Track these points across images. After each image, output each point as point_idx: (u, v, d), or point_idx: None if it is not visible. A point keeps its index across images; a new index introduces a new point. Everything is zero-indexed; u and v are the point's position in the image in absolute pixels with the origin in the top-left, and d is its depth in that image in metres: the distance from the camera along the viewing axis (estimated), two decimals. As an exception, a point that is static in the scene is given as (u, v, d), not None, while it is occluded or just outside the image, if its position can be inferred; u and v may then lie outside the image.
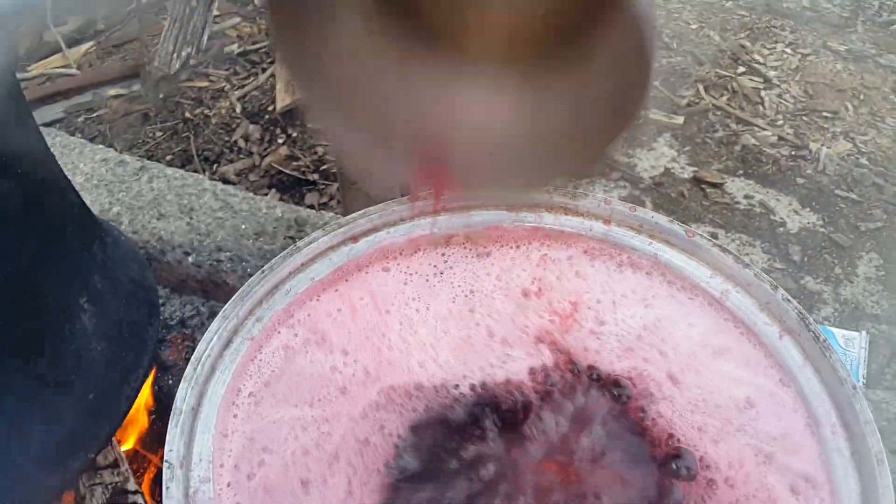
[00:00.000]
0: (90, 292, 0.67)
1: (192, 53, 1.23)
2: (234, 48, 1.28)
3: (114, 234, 0.79)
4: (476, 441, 0.41)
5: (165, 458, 0.41)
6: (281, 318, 0.48)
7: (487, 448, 0.41)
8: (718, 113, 1.45)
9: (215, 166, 1.20)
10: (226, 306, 0.47)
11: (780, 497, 0.40)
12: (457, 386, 0.44)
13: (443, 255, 0.50)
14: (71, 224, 0.66)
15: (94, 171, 0.98)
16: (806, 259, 1.24)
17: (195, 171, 1.02)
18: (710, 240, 0.50)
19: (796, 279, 1.21)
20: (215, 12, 1.31)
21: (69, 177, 1.00)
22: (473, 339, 0.46)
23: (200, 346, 0.45)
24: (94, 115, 1.20)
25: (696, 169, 1.37)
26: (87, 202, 0.95)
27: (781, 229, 1.28)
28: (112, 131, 1.20)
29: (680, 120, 1.44)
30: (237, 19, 1.32)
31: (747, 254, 1.26)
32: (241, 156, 1.20)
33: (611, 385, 0.44)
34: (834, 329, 1.08)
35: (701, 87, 1.49)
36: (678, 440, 0.42)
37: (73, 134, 1.11)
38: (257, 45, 1.30)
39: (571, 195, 0.53)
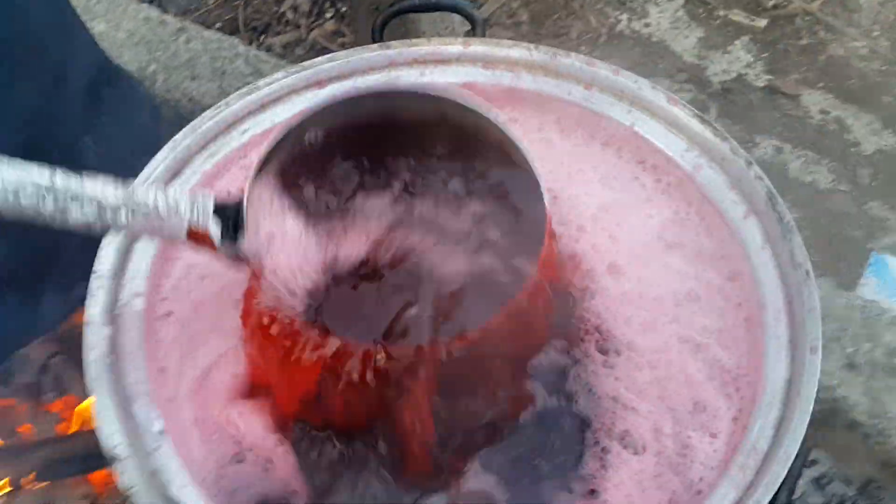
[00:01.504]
0: (96, 132, 0.69)
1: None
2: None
3: (131, 83, 0.80)
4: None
5: (95, 269, 0.42)
6: (234, 157, 0.48)
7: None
8: (807, 18, 1.33)
9: (262, 37, 1.20)
10: (176, 135, 0.46)
11: (697, 383, 0.38)
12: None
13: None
14: (79, 66, 0.67)
15: (136, 28, 0.99)
16: (874, 183, 1.14)
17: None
18: (691, 110, 0.46)
19: (859, 203, 1.12)
20: None
21: (113, 33, 1.02)
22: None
23: (146, 170, 0.45)
24: (152, -23, 1.21)
25: (771, 77, 1.27)
26: (126, 59, 0.97)
27: (854, 149, 1.18)
28: (166, -7, 1.20)
29: (762, 23, 1.32)
30: None
31: (812, 172, 1.17)
32: (288, 28, 1.19)
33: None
34: (889, 258, 1.01)
35: (790, -11, 1.36)
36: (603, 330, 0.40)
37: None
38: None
39: (552, 54, 0.49)
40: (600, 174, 0.46)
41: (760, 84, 1.26)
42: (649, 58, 1.34)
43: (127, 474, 0.35)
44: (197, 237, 0.35)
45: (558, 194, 0.44)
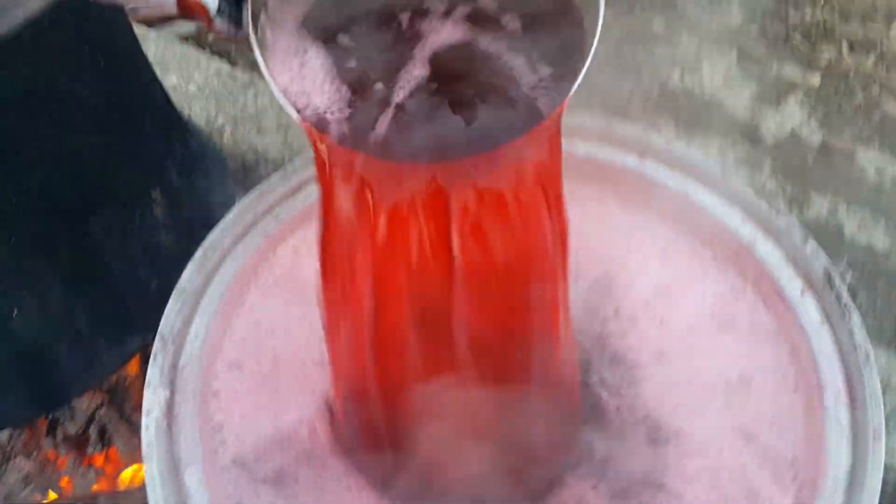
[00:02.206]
0: (164, 186, 0.72)
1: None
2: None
3: (201, 138, 0.83)
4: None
5: (159, 331, 0.43)
6: (298, 219, 0.50)
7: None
8: (861, 76, 1.32)
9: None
10: (244, 199, 0.49)
11: (750, 472, 0.37)
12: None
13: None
14: (152, 119, 0.71)
15: (206, 82, 1.04)
16: (934, 244, 1.11)
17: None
18: (746, 183, 0.47)
19: (919, 265, 1.10)
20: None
21: (184, 86, 1.06)
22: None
23: (214, 233, 0.47)
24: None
25: (825, 134, 1.26)
26: (196, 111, 1.01)
27: (913, 209, 1.16)
28: (237, 50, 1.25)
29: (816, 80, 1.32)
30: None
31: (868, 232, 1.15)
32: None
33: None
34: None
35: (845, 46, 1.36)
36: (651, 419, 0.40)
37: (202, 49, 1.17)
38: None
39: (606, 122, 0.50)
40: (658, 248, 0.46)
41: (815, 141, 1.25)
42: (702, 114, 1.34)
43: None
44: (189, 5, 0.32)
45: (615, 275, 0.45)
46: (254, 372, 0.45)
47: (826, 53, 1.34)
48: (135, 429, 0.76)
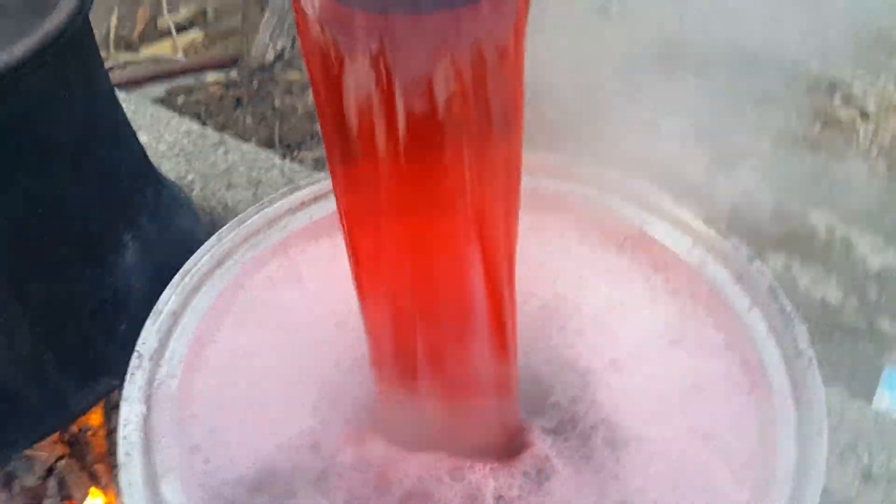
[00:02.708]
0: (136, 231, 0.73)
1: (287, 47, 1.31)
2: (327, 45, 1.35)
3: (172, 189, 0.85)
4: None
5: (136, 349, 0.45)
6: (274, 250, 0.52)
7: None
8: (808, 142, 1.40)
9: (295, 152, 1.27)
10: (222, 229, 0.50)
11: (710, 469, 0.39)
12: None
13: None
14: (126, 168, 0.73)
15: (177, 140, 1.06)
16: (883, 300, 1.16)
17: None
18: (695, 211, 0.50)
19: (869, 319, 1.14)
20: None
21: (154, 144, 1.09)
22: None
23: (192, 259, 0.49)
24: (193, 97, 1.30)
25: (778, 197, 1.32)
26: (167, 168, 1.03)
27: (862, 266, 1.21)
28: (206, 113, 1.29)
29: (766, 145, 1.39)
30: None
31: (821, 287, 1.20)
32: (321, 145, 1.26)
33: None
34: (900, 370, 1.01)
35: (793, 114, 1.44)
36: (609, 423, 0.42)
37: (172, 110, 1.21)
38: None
39: (568, 161, 0.54)
40: (612, 275, 0.49)
41: (768, 203, 1.31)
42: (661, 176, 1.40)
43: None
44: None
45: (564, 298, 0.47)
46: (232, 396, 0.46)
47: (775, 121, 1.42)
48: (96, 480, 0.75)
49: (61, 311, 0.67)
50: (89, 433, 0.77)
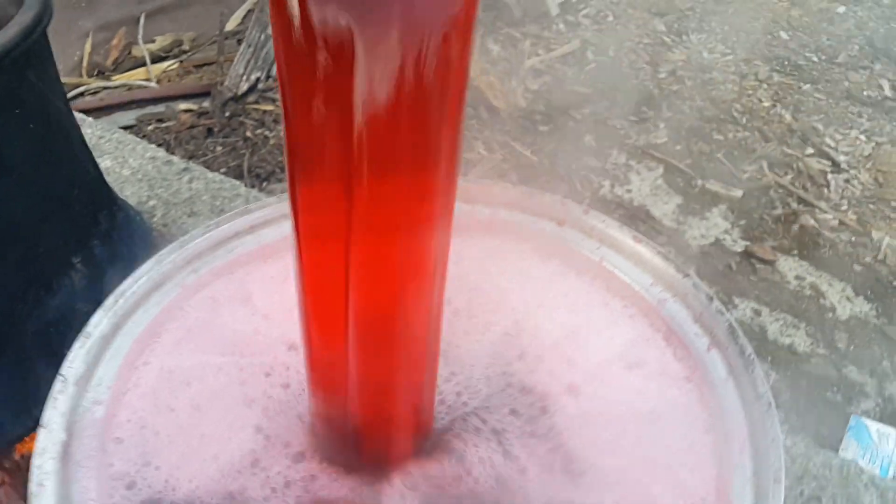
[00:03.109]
0: (85, 255, 0.71)
1: (261, 78, 1.31)
2: (302, 78, 1.35)
3: (129, 213, 0.83)
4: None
5: (61, 372, 0.42)
6: (218, 272, 0.50)
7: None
8: (780, 191, 1.41)
9: (265, 184, 1.25)
10: (162, 251, 0.48)
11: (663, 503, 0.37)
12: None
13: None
14: (79, 190, 0.71)
15: (141, 166, 1.04)
16: (851, 348, 1.16)
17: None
18: (655, 248, 0.49)
19: (838, 367, 1.13)
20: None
21: (118, 169, 1.07)
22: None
23: (128, 281, 0.46)
24: (164, 125, 1.29)
25: (748, 243, 1.32)
26: (128, 193, 1.01)
27: (830, 315, 1.21)
28: (176, 141, 1.27)
29: (738, 193, 1.40)
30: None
31: (790, 335, 1.19)
32: (290, 176, 1.24)
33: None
34: (868, 421, 1.00)
35: (765, 164, 1.45)
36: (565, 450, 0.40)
37: (140, 137, 1.19)
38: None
39: (528, 193, 0.52)
40: (570, 301, 0.47)
41: (737, 249, 1.31)
42: (631, 221, 1.40)
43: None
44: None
45: (523, 325, 0.46)
46: (167, 421, 0.43)
47: (747, 171, 1.43)
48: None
49: (2, 334, 0.65)
50: (30, 461, 0.73)
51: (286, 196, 0.53)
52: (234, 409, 0.43)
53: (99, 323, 0.44)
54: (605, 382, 0.42)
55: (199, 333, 0.46)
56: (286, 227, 0.51)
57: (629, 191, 1.42)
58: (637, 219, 1.36)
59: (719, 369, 0.42)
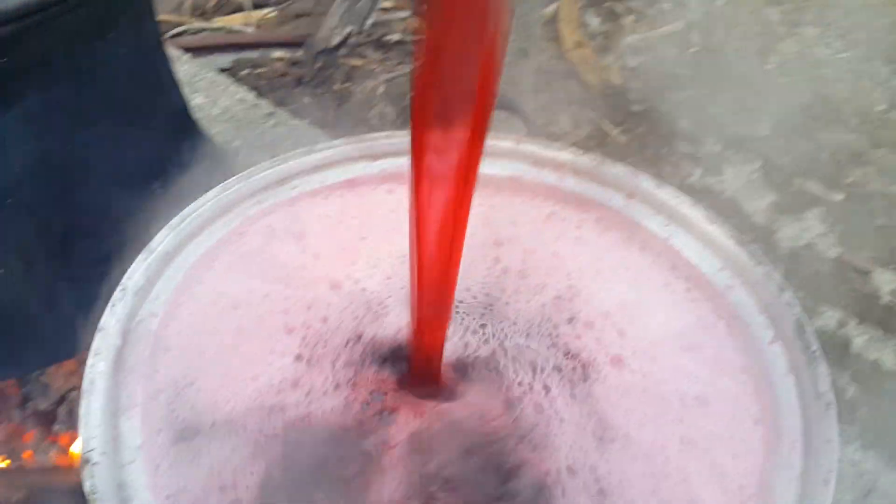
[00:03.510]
0: (164, 181, 0.73)
1: (353, 32, 1.31)
2: (395, 37, 1.35)
3: (212, 148, 0.85)
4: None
5: (122, 282, 0.43)
6: (278, 207, 0.50)
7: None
8: (884, 201, 1.32)
9: (344, 137, 1.26)
10: (229, 180, 0.49)
11: (696, 484, 0.35)
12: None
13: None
14: (164, 118, 0.73)
15: (230, 107, 1.07)
16: (943, 371, 1.08)
17: (327, 136, 1.08)
18: (730, 230, 0.46)
19: (924, 388, 1.06)
20: (389, 4, 1.39)
21: (208, 108, 1.09)
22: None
23: (194, 205, 0.47)
24: (257, 70, 1.31)
25: (842, 251, 1.25)
26: (214, 132, 1.04)
27: (919, 329, 1.13)
28: (268, 87, 1.29)
29: (839, 197, 1.32)
30: (406, 13, 1.39)
31: (877, 351, 1.12)
32: (372, 133, 1.25)
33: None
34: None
35: (872, 170, 1.36)
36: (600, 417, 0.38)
37: (233, 78, 1.22)
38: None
39: (599, 161, 0.50)
40: (630, 276, 0.45)
41: (831, 255, 1.24)
42: (719, 213, 1.34)
43: (92, 480, 0.35)
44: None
45: (577, 290, 0.44)
46: (212, 342, 0.44)
47: (851, 176, 1.35)
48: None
49: (79, 244, 0.67)
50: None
51: (353, 139, 0.53)
52: (275, 336, 0.43)
53: (163, 240, 0.45)
54: (654, 360, 0.40)
55: (252, 261, 0.46)
56: (348, 170, 0.51)
57: (721, 181, 1.36)
58: (726, 211, 1.30)
59: (780, 365, 0.40)
